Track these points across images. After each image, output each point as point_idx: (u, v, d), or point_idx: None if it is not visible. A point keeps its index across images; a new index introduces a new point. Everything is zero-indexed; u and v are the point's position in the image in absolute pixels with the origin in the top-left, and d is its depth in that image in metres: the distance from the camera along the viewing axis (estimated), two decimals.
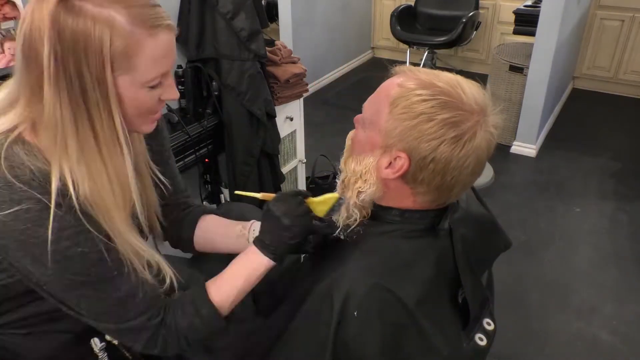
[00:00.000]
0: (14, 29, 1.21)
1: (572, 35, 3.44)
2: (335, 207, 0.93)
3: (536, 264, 2.32)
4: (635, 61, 3.93)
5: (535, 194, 2.88)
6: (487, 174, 3.00)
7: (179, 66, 1.66)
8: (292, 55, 1.97)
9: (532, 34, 3.02)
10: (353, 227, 0.91)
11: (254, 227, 1.06)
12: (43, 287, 0.75)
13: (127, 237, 0.77)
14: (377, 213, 0.92)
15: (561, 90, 3.84)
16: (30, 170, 0.70)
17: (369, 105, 0.87)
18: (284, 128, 2.02)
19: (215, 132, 1.71)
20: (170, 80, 0.79)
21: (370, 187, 0.87)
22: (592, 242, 2.48)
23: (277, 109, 1.85)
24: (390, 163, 0.83)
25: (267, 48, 1.75)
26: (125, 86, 0.73)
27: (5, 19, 1.20)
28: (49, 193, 0.70)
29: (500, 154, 3.26)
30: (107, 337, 0.92)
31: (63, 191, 0.71)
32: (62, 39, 0.67)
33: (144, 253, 0.80)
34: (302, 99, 2.10)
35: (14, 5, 1.20)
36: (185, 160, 1.49)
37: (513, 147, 3.29)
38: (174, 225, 1.07)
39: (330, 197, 0.93)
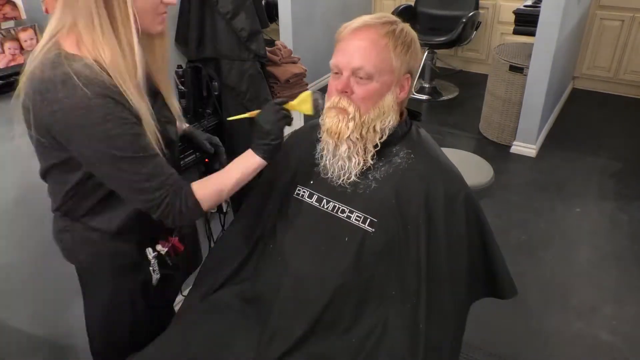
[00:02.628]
0: (14, 29, 1.21)
1: (572, 35, 3.44)
2: (318, 102, 1.12)
3: (536, 264, 2.33)
4: (635, 61, 3.93)
5: (535, 194, 2.88)
6: (487, 174, 2.99)
7: (179, 66, 1.67)
8: (292, 55, 1.97)
9: (532, 34, 3.02)
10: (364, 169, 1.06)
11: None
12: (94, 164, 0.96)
13: (137, 98, 0.95)
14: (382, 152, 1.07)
15: (561, 90, 3.84)
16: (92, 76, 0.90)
17: (363, 62, 0.99)
18: None
19: (215, 132, 1.70)
20: None
21: (390, 120, 1.04)
22: (592, 242, 2.48)
23: None
24: (400, 89, 1.04)
25: (267, 48, 1.75)
26: None
27: (5, 19, 1.20)
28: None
29: (500, 154, 3.25)
30: (157, 248, 1.19)
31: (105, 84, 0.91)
32: None
33: (150, 116, 0.98)
34: None
35: (14, 5, 1.20)
36: (186, 160, 1.49)
37: (513, 147, 3.29)
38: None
39: (305, 95, 1.09)
